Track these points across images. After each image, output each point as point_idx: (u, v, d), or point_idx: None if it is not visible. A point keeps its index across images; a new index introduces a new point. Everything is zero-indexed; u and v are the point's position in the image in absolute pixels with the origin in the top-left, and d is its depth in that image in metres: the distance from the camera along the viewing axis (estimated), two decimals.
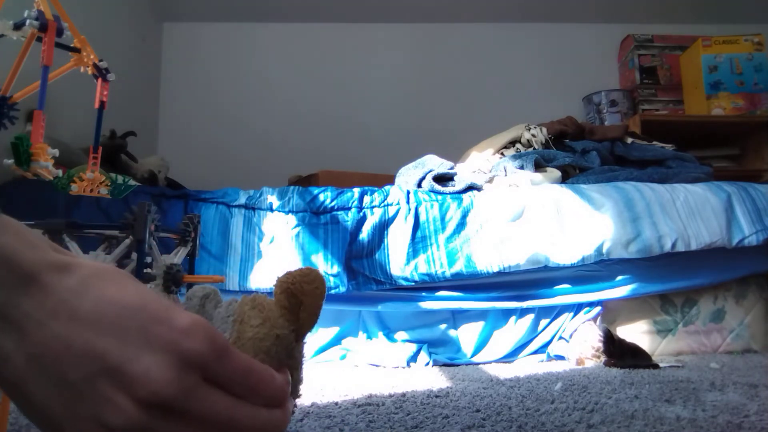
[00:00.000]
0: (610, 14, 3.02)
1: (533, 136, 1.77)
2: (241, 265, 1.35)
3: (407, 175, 1.66)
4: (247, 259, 1.36)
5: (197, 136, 2.88)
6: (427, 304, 1.37)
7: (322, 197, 1.45)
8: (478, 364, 1.37)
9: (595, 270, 1.41)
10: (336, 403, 0.90)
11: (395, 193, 1.48)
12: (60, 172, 0.77)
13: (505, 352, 1.39)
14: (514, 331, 1.40)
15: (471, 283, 1.39)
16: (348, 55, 3.05)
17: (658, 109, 2.85)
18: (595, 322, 1.39)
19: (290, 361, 0.35)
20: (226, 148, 2.85)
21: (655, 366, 1.21)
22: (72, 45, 0.76)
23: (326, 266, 1.35)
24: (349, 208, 1.43)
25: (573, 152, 1.75)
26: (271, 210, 1.43)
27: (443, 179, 1.59)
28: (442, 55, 3.08)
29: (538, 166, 1.64)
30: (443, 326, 1.40)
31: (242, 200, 1.44)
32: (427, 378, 1.16)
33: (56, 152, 0.71)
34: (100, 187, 0.83)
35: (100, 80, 0.80)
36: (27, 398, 0.25)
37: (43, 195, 1.30)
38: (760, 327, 1.46)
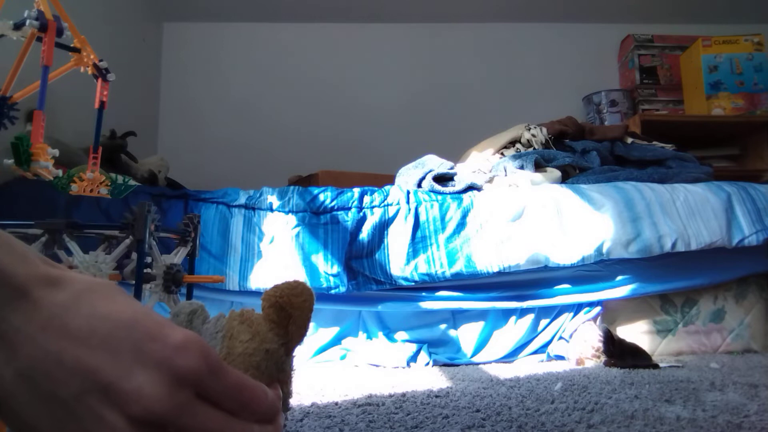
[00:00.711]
0: (610, 14, 3.02)
1: (533, 136, 1.77)
2: (241, 265, 1.35)
3: (407, 175, 1.66)
4: (247, 259, 1.35)
5: (197, 136, 2.88)
6: (427, 304, 1.37)
7: (322, 197, 1.45)
8: (478, 364, 1.37)
9: (595, 270, 1.41)
10: (336, 403, 0.90)
11: (395, 193, 1.48)
12: (60, 172, 0.77)
13: (505, 352, 1.39)
14: (514, 331, 1.40)
15: (471, 283, 1.39)
16: (348, 54, 3.05)
17: (658, 109, 2.85)
18: (595, 322, 1.39)
19: (280, 375, 0.34)
20: (226, 148, 2.85)
21: (655, 366, 1.21)
22: (72, 45, 0.76)
23: (326, 266, 1.35)
24: (349, 208, 1.43)
25: (573, 152, 1.75)
26: (271, 210, 1.43)
27: (443, 179, 1.59)
28: (442, 55, 3.08)
29: (538, 166, 1.64)
30: (443, 326, 1.40)
31: (242, 200, 1.44)
32: (427, 378, 1.16)
33: (56, 152, 0.71)
34: (100, 187, 0.83)
35: (100, 80, 0.80)
36: (15, 414, 0.25)
37: (43, 195, 1.30)
38: (760, 327, 1.46)
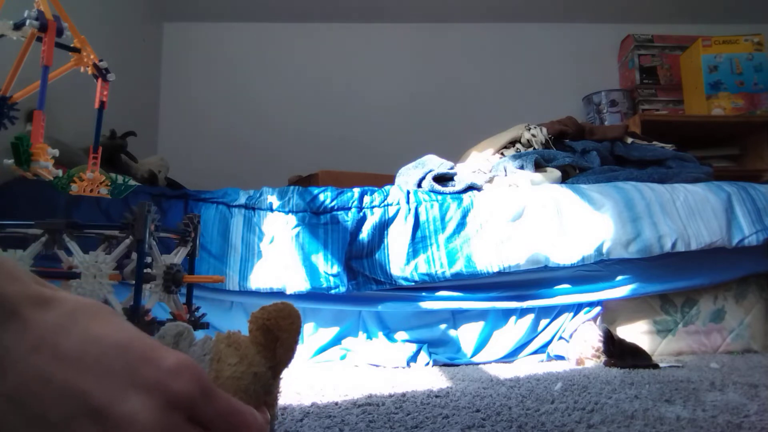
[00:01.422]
0: (610, 14, 3.02)
1: (533, 136, 1.77)
2: (241, 265, 1.35)
3: (407, 175, 1.66)
4: (247, 259, 1.35)
5: (197, 136, 2.88)
6: (427, 304, 1.37)
7: (322, 197, 1.45)
8: (478, 364, 1.37)
9: (595, 270, 1.41)
10: (336, 403, 0.89)
11: (395, 193, 1.48)
12: (60, 172, 0.77)
13: (505, 352, 1.39)
14: (514, 331, 1.40)
15: (471, 283, 1.39)
16: (348, 54, 3.05)
17: (658, 109, 2.85)
18: (595, 322, 1.39)
19: (267, 398, 0.35)
20: (227, 148, 2.85)
21: (655, 366, 1.21)
22: (72, 45, 0.76)
23: (326, 266, 1.35)
24: (349, 208, 1.43)
25: (573, 152, 1.75)
26: (271, 210, 1.43)
27: (443, 179, 1.59)
28: (442, 55, 3.08)
29: (538, 166, 1.64)
30: (443, 326, 1.40)
31: (242, 200, 1.44)
32: (427, 378, 1.16)
33: (56, 152, 0.71)
34: (100, 187, 0.83)
35: (100, 80, 0.80)
36: None
37: (43, 195, 1.30)
38: (760, 327, 1.46)
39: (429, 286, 1.38)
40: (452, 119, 2.94)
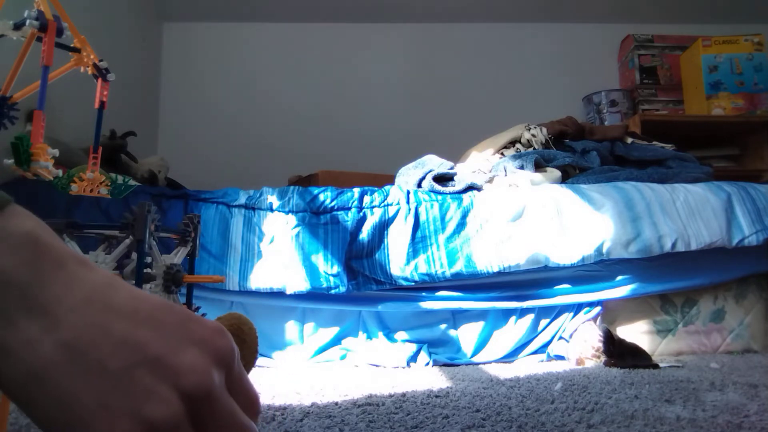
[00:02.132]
0: (610, 14, 3.02)
1: (533, 136, 1.77)
2: (241, 265, 1.35)
3: (407, 175, 1.66)
4: (247, 259, 1.35)
5: (197, 136, 2.88)
6: (427, 304, 1.37)
7: (322, 197, 1.45)
8: (478, 364, 1.37)
9: (595, 270, 1.41)
10: (336, 403, 0.89)
11: (395, 193, 1.48)
12: (60, 172, 0.77)
13: (505, 352, 1.39)
14: (514, 331, 1.40)
15: (471, 283, 1.39)
16: (348, 55, 3.05)
17: (658, 109, 2.85)
18: (595, 322, 1.39)
19: None
20: (226, 148, 2.85)
21: (655, 366, 1.21)
22: (72, 45, 0.76)
23: (326, 266, 1.35)
24: (349, 208, 1.43)
25: (573, 152, 1.75)
26: (271, 210, 1.43)
27: (443, 179, 1.59)
28: (442, 55, 3.08)
29: (538, 166, 1.64)
30: (443, 326, 1.40)
31: (242, 200, 1.44)
32: (427, 378, 1.16)
33: (56, 152, 0.71)
34: (100, 187, 0.83)
35: (100, 80, 0.80)
36: (56, 385, 0.23)
37: (43, 195, 1.30)
38: (760, 327, 1.46)
39: (429, 286, 1.38)
40: (452, 119, 2.94)
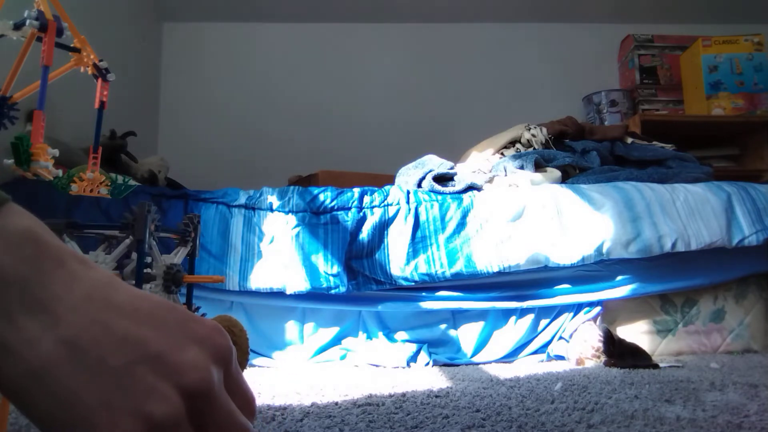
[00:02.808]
0: (610, 14, 3.02)
1: (533, 136, 1.77)
2: (241, 265, 1.35)
3: (407, 175, 1.66)
4: (247, 259, 1.35)
5: (197, 136, 2.88)
6: (427, 304, 1.37)
7: (322, 197, 1.45)
8: (478, 364, 1.37)
9: (595, 270, 1.40)
10: (336, 403, 0.89)
11: (395, 193, 1.48)
12: (60, 172, 0.77)
13: (505, 352, 1.39)
14: (514, 331, 1.40)
15: (471, 283, 1.39)
16: (348, 55, 3.05)
17: (658, 109, 2.85)
18: (595, 322, 1.39)
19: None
20: (226, 148, 2.85)
21: (655, 366, 1.21)
22: (72, 45, 0.76)
23: (326, 266, 1.35)
24: (349, 208, 1.43)
25: (573, 152, 1.75)
26: (271, 210, 1.43)
27: (443, 179, 1.59)
28: (442, 55, 3.08)
29: (538, 166, 1.64)
30: (443, 326, 1.40)
31: (242, 200, 1.44)
32: (427, 378, 1.16)
33: (56, 152, 0.71)
34: (100, 187, 0.83)
35: (100, 80, 0.80)
36: (50, 389, 0.23)
37: (43, 195, 1.30)
38: (760, 327, 1.46)
39: (429, 286, 1.38)
40: (452, 119, 2.94)
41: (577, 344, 1.33)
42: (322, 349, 1.37)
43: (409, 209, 1.43)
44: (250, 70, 2.99)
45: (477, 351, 1.39)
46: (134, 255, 0.76)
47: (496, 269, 1.36)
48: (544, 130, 1.79)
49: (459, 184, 1.53)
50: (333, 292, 1.33)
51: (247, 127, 2.91)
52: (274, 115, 2.93)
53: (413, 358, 1.33)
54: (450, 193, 1.49)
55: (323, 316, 1.39)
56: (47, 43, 0.65)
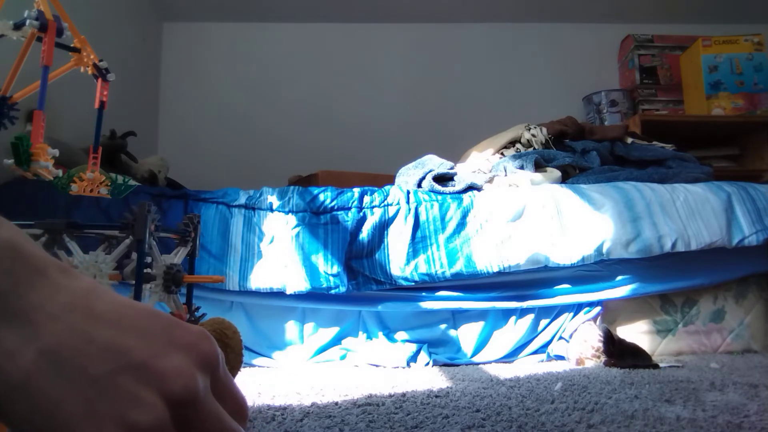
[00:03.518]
0: (610, 14, 3.02)
1: (533, 136, 1.77)
2: (241, 265, 1.35)
3: (407, 175, 1.66)
4: (247, 259, 1.35)
5: (197, 136, 2.88)
6: (427, 304, 1.37)
7: (322, 197, 1.45)
8: (478, 364, 1.37)
9: (595, 270, 1.40)
10: (336, 403, 0.90)
11: (395, 193, 1.48)
12: (60, 172, 0.77)
13: (505, 352, 1.39)
14: (514, 331, 1.40)
15: (471, 283, 1.39)
16: (348, 55, 3.05)
17: (658, 109, 2.85)
18: (595, 322, 1.39)
19: None
20: (226, 148, 2.85)
21: (655, 366, 1.21)
22: (72, 45, 0.76)
23: (326, 266, 1.35)
24: (349, 208, 1.43)
25: (573, 152, 1.75)
26: (271, 210, 1.43)
27: (443, 179, 1.59)
28: (442, 55, 3.08)
29: (538, 166, 1.64)
30: (443, 326, 1.40)
31: (242, 200, 1.44)
32: (427, 378, 1.16)
33: (56, 152, 0.71)
34: (100, 187, 0.83)
35: (100, 80, 0.80)
36: (32, 400, 0.23)
37: (43, 195, 1.30)
38: (760, 327, 1.46)
39: (429, 286, 1.38)
40: (452, 119, 2.94)
41: (577, 344, 1.33)
42: (322, 349, 1.37)
43: (409, 209, 1.43)
44: (250, 69, 2.99)
45: (477, 351, 1.39)
46: (134, 255, 0.76)
47: (496, 269, 1.36)
48: (544, 130, 1.79)
49: (459, 184, 1.53)
50: (333, 292, 1.33)
51: (247, 126, 2.91)
52: (274, 114, 2.93)
53: (413, 358, 1.33)
54: (450, 193, 1.49)
55: (323, 316, 1.39)
56: (47, 43, 0.65)
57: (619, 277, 1.40)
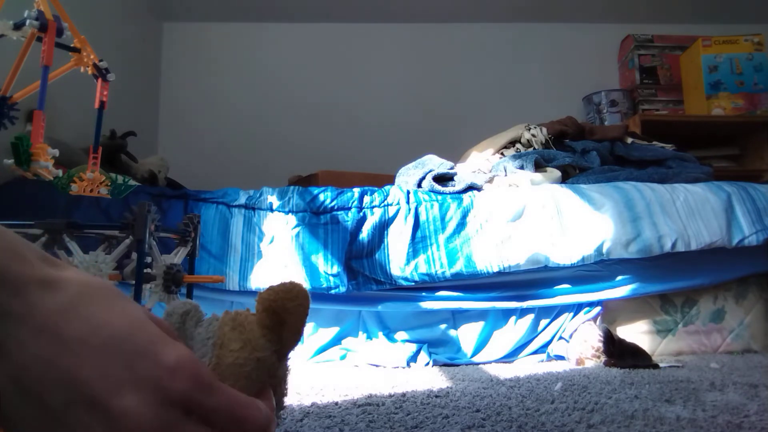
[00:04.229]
0: (610, 14, 3.02)
1: (533, 136, 1.77)
2: (241, 265, 1.35)
3: (407, 175, 1.66)
4: (247, 259, 1.35)
5: (197, 136, 2.88)
6: (427, 304, 1.37)
7: (322, 197, 1.45)
8: (478, 364, 1.37)
9: (595, 270, 1.40)
10: (336, 403, 0.90)
11: (395, 193, 1.48)
12: (60, 172, 0.77)
13: (505, 352, 1.39)
14: (514, 331, 1.40)
15: (471, 283, 1.39)
16: (348, 55, 3.05)
17: (658, 109, 2.85)
18: (595, 322, 1.39)
19: (272, 380, 0.34)
20: (226, 148, 2.85)
21: (655, 366, 1.21)
22: (72, 45, 0.76)
23: (326, 266, 1.35)
24: (349, 208, 1.43)
25: (573, 152, 1.75)
26: (271, 210, 1.43)
27: (443, 179, 1.59)
28: (442, 55, 3.08)
29: (538, 166, 1.64)
30: (443, 326, 1.40)
31: (242, 200, 1.44)
32: (427, 378, 1.16)
33: (56, 152, 0.71)
34: (100, 187, 0.83)
35: (100, 80, 0.80)
36: (8, 418, 0.24)
37: (43, 195, 1.30)
38: (760, 327, 1.46)
39: (429, 286, 1.38)
40: (452, 119, 2.94)
41: (577, 344, 1.33)
42: (322, 349, 1.37)
43: (409, 209, 1.43)
44: (250, 70, 2.99)
45: (477, 351, 1.39)
46: (134, 255, 0.76)
47: (496, 269, 1.36)
48: (544, 130, 1.79)
49: (459, 184, 1.53)
50: (333, 292, 1.33)
51: (247, 126, 2.91)
52: (274, 114, 2.93)
53: (413, 358, 1.33)
54: (450, 193, 1.49)
55: (323, 316, 1.39)
56: (47, 43, 0.65)
57: (619, 277, 1.40)
